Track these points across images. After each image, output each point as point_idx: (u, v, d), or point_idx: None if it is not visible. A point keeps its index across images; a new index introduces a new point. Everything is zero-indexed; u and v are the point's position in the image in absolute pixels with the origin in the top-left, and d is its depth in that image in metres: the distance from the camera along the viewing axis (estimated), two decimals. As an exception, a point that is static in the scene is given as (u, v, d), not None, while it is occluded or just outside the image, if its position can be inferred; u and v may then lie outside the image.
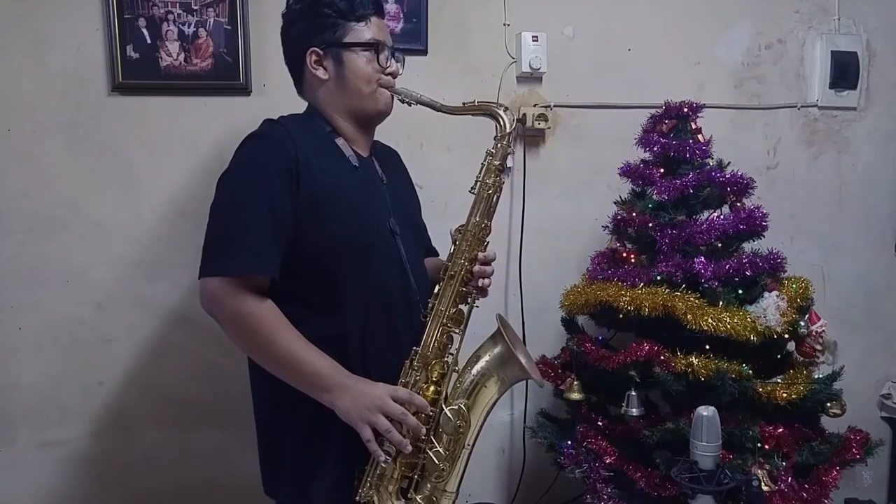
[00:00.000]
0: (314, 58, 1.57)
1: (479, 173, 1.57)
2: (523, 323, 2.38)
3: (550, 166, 2.40)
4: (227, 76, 2.07)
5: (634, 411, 1.94)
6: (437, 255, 1.81)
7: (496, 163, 1.57)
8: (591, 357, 2.03)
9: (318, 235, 1.48)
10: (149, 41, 2.02)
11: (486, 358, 1.55)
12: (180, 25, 2.03)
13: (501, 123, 1.57)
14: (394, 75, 1.61)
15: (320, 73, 1.57)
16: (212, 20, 2.05)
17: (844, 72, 2.59)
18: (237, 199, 1.47)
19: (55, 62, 1.99)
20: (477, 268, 1.55)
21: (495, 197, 1.57)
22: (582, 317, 2.19)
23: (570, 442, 2.02)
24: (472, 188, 1.58)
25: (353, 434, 1.45)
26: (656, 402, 2.04)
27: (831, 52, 2.57)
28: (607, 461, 1.93)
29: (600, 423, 2.04)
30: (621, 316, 1.98)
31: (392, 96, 1.61)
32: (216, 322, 1.49)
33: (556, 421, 2.23)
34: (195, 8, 2.04)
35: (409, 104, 1.59)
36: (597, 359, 2.01)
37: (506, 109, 1.58)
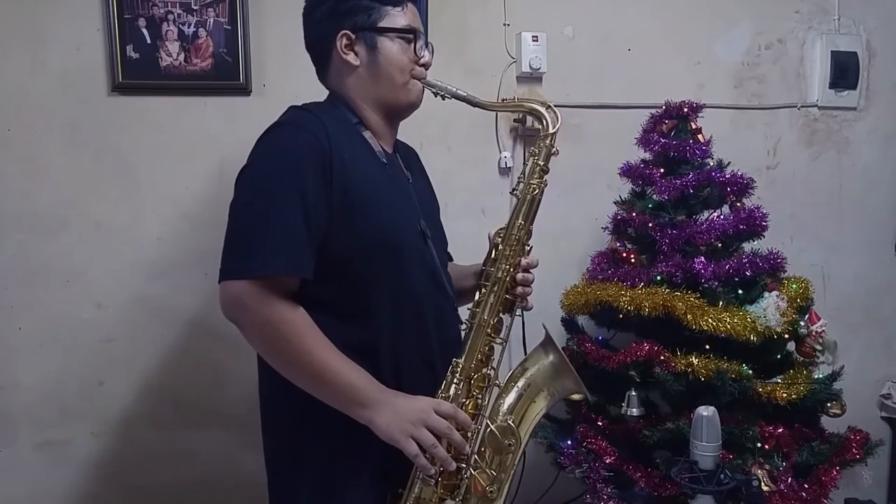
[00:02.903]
0: (345, 41, 1.45)
1: (523, 174, 1.48)
2: (523, 323, 2.37)
3: (550, 166, 2.40)
4: (227, 76, 2.07)
5: (634, 411, 1.94)
6: (451, 259, 1.71)
7: (541, 163, 1.47)
8: (591, 357, 2.03)
9: (348, 236, 1.36)
10: (149, 41, 2.01)
11: (534, 370, 1.45)
12: (180, 25, 2.03)
13: (544, 123, 1.48)
14: (426, 66, 1.50)
15: (351, 58, 1.45)
16: (212, 20, 2.05)
17: (844, 72, 2.59)
18: (265, 192, 1.34)
19: (55, 62, 1.99)
20: (521, 275, 1.46)
21: (539, 198, 1.47)
22: (582, 317, 2.19)
23: (570, 442, 2.02)
24: (513, 189, 1.48)
25: (387, 455, 1.35)
26: (656, 402, 2.04)
27: (831, 52, 2.57)
28: (607, 461, 1.93)
29: (600, 423, 2.04)
30: (621, 316, 1.98)
31: (423, 88, 1.50)
32: (238, 328, 1.36)
33: (556, 421, 2.23)
34: (195, 8, 2.04)
35: (444, 97, 1.49)
36: (597, 359, 2.01)
37: (548, 108, 1.48)
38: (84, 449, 2.10)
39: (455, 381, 1.40)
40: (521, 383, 1.46)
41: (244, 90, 2.09)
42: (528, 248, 1.49)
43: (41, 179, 2.01)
